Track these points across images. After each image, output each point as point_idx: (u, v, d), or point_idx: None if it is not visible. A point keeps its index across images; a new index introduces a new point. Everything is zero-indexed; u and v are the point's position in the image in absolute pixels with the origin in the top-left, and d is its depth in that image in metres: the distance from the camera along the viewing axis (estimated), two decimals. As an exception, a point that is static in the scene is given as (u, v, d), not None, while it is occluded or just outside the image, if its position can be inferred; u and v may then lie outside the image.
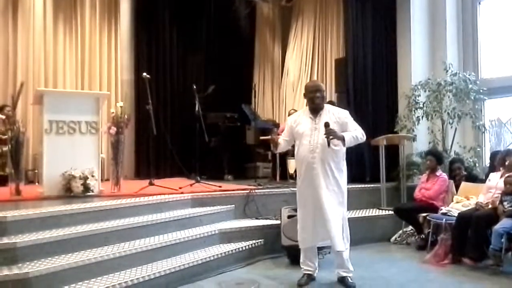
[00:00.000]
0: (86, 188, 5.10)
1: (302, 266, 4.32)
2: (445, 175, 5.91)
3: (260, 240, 5.25)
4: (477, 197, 5.29)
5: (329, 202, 4.02)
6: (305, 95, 4.31)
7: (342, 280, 4.18)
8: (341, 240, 4.03)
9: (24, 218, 3.93)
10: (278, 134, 4.73)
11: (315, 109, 4.17)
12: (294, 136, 4.26)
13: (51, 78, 7.88)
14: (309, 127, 4.13)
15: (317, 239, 4.21)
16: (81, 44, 8.22)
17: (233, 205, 5.66)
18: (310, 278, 4.28)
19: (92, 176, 5.16)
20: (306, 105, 4.35)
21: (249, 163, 8.80)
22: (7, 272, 3.39)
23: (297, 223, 4.32)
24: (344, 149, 4.16)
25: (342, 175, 4.16)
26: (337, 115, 4.15)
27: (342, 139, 3.98)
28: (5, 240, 3.68)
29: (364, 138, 4.18)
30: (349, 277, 4.18)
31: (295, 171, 4.61)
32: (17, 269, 3.47)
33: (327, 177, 4.04)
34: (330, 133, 3.91)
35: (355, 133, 4.09)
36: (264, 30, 10.41)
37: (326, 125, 3.93)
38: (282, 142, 4.34)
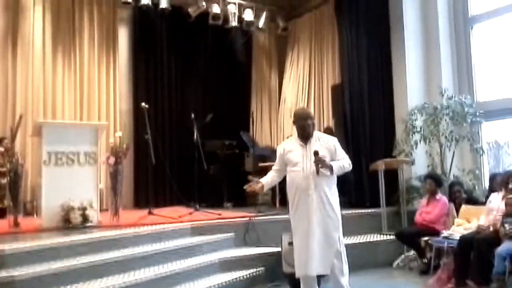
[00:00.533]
0: (85, 219, 5.08)
1: (303, 295, 4.26)
2: (445, 198, 5.90)
3: (261, 268, 5.21)
4: (478, 219, 5.27)
5: (324, 230, 4.01)
6: (294, 123, 4.34)
7: (344, 307, 4.12)
8: (327, 265, 4.00)
9: (22, 250, 3.91)
10: None
11: (305, 137, 4.20)
12: (285, 163, 4.26)
13: (49, 109, 7.89)
14: (301, 154, 4.15)
15: (311, 268, 4.13)
16: (80, 75, 8.26)
17: (233, 233, 5.63)
18: (313, 306, 4.20)
19: (91, 206, 5.14)
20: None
21: (249, 190, 8.75)
22: (5, 307, 3.35)
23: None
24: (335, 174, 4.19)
25: (336, 199, 4.17)
26: (326, 142, 4.21)
27: (330, 168, 4.03)
28: (3, 273, 3.64)
29: (350, 167, 4.25)
30: (351, 304, 4.12)
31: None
32: (15, 303, 3.43)
33: (322, 203, 4.05)
34: (319, 161, 3.96)
35: (342, 163, 4.17)
36: (261, 58, 10.53)
37: (316, 153, 3.98)
38: (271, 177, 4.35)
